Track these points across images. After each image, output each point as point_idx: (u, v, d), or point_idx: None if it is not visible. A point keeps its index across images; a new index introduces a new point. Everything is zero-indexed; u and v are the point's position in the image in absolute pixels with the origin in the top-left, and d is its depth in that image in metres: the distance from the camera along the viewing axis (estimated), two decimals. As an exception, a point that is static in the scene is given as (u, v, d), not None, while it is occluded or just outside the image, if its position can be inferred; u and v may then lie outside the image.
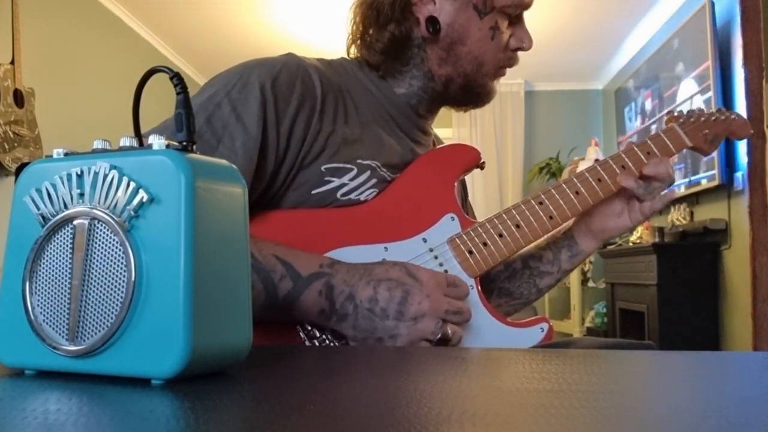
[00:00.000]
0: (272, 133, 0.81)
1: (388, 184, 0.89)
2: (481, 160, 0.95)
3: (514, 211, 0.91)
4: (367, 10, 0.93)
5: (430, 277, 0.78)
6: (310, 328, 0.80)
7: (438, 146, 1.03)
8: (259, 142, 0.80)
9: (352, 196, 0.85)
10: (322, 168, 0.84)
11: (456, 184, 0.93)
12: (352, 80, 0.93)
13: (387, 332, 0.75)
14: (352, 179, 0.85)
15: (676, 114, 1.04)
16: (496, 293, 1.04)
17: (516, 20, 0.95)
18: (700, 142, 1.03)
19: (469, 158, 0.94)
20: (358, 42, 0.96)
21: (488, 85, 0.96)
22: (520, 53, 0.98)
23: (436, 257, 0.87)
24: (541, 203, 0.93)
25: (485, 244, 0.89)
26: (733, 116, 1.07)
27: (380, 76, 0.95)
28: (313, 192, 0.84)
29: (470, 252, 0.88)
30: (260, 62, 0.85)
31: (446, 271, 0.86)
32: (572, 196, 0.94)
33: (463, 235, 0.88)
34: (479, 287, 0.88)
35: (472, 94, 0.96)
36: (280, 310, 0.76)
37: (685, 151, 1.05)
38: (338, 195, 0.85)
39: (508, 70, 0.98)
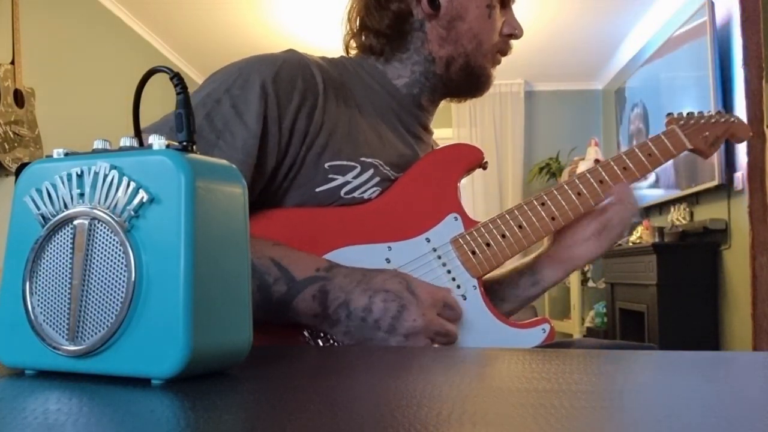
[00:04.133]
0: (273, 128, 0.81)
1: (392, 182, 0.89)
2: (484, 160, 0.95)
3: (516, 212, 0.91)
4: None
5: (429, 295, 0.77)
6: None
7: (440, 146, 1.03)
8: (259, 138, 0.80)
9: (356, 194, 0.85)
10: (326, 165, 0.84)
11: (458, 184, 0.94)
12: (353, 77, 0.94)
13: (376, 343, 0.75)
14: (355, 177, 0.85)
15: (676, 116, 1.04)
16: None
17: (507, 7, 0.99)
18: (701, 145, 1.03)
19: (472, 158, 0.94)
20: (357, 36, 0.97)
21: (487, 69, 0.98)
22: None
23: (439, 257, 0.86)
24: (543, 204, 0.93)
25: (488, 245, 0.89)
26: (732, 119, 1.07)
27: (382, 66, 0.96)
28: (317, 190, 0.84)
29: (473, 252, 0.88)
30: (261, 58, 0.85)
31: (449, 272, 0.86)
32: (574, 197, 0.94)
33: (466, 236, 0.88)
34: (482, 288, 0.87)
35: (472, 76, 0.97)
36: (275, 313, 0.76)
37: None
38: (342, 193, 0.85)
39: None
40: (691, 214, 3.75)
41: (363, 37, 0.97)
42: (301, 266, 0.77)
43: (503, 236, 0.89)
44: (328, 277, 0.76)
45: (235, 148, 0.78)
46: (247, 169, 0.78)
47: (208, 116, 0.79)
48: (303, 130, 0.83)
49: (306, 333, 0.79)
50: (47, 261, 0.44)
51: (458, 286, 0.86)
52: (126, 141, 0.45)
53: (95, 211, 0.43)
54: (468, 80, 0.97)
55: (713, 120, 1.05)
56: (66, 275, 0.43)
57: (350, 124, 0.88)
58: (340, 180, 0.84)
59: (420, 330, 0.75)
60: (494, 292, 1.00)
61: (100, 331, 0.42)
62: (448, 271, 0.86)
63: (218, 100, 0.80)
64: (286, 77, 0.83)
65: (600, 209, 0.96)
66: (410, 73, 0.96)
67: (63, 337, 0.43)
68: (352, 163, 0.85)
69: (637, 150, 0.98)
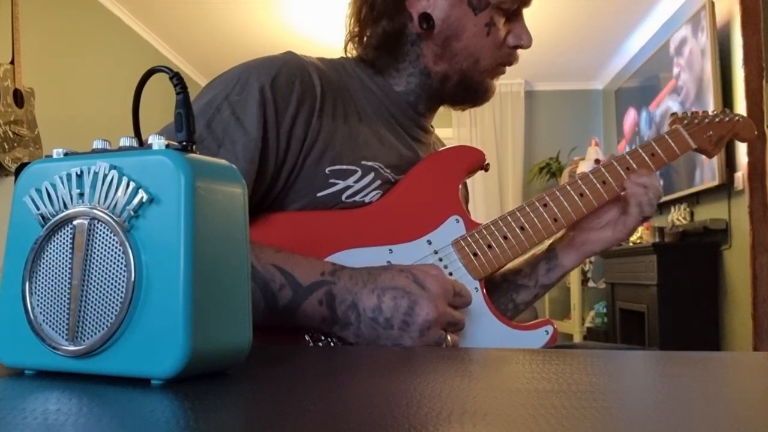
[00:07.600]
0: (272, 133, 0.81)
1: (393, 185, 0.89)
2: (486, 162, 0.95)
3: (518, 214, 0.91)
4: (361, 6, 0.93)
5: (438, 285, 0.75)
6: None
7: (442, 148, 1.03)
8: (260, 143, 0.79)
9: (357, 198, 0.85)
10: (327, 170, 0.83)
11: (460, 186, 0.93)
12: (352, 79, 0.93)
13: (390, 341, 0.74)
14: (356, 181, 0.85)
15: (680, 115, 1.04)
16: None
17: (514, 17, 0.94)
18: (705, 144, 1.02)
19: (473, 160, 0.94)
20: (355, 39, 0.96)
21: (486, 83, 0.96)
22: (520, 52, 0.97)
23: (440, 259, 0.86)
24: (545, 205, 0.92)
25: (490, 247, 0.88)
26: (737, 117, 1.06)
27: (378, 73, 0.95)
28: (318, 195, 0.83)
29: (475, 254, 0.87)
30: (259, 63, 0.84)
31: (450, 274, 0.86)
32: (576, 198, 0.93)
33: (468, 238, 0.88)
34: (484, 290, 0.87)
35: (469, 90, 0.95)
36: (282, 319, 0.75)
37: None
38: (343, 197, 0.84)
39: (509, 70, 0.98)
40: (692, 214, 3.75)
41: (358, 46, 0.96)
42: (305, 271, 0.76)
43: (505, 238, 0.89)
44: (333, 280, 0.75)
45: (236, 155, 0.77)
46: (248, 175, 0.78)
47: (209, 125, 0.78)
48: (301, 136, 0.83)
49: (306, 336, 0.79)
50: (47, 261, 0.44)
51: None
52: (125, 141, 0.45)
53: (95, 211, 0.43)
54: (465, 94, 0.96)
55: (717, 119, 1.04)
56: (66, 275, 0.43)
57: (350, 128, 0.87)
58: (342, 185, 0.84)
59: (433, 322, 0.73)
60: (511, 282, 1.02)
61: (99, 331, 0.42)
62: (450, 273, 0.86)
63: (218, 108, 0.79)
64: (284, 82, 0.82)
65: (619, 197, 0.96)
66: (406, 83, 0.95)
67: (63, 337, 0.43)
68: (353, 167, 0.85)
69: (640, 150, 0.98)
